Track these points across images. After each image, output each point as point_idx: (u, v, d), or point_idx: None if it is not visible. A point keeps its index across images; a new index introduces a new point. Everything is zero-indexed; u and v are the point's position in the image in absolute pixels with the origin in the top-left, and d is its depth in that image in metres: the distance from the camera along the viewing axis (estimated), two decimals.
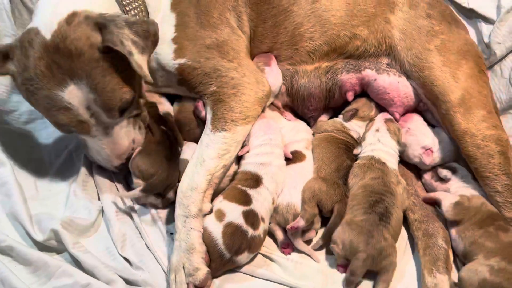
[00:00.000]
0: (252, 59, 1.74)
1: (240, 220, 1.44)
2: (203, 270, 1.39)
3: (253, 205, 1.48)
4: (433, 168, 1.70)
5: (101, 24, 1.34)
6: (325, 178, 1.57)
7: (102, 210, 1.60)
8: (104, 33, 1.33)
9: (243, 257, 1.44)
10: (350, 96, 1.79)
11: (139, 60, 1.34)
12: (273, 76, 1.70)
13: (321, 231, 1.57)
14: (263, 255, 1.52)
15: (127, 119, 1.52)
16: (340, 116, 1.80)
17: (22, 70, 1.35)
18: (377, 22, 1.74)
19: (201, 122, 1.67)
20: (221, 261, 1.42)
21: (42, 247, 1.49)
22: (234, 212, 1.45)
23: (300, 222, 1.47)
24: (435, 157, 1.67)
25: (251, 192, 1.50)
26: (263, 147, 1.59)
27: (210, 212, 1.48)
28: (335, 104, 1.84)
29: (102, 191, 1.64)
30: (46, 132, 1.83)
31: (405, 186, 1.61)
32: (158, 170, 1.54)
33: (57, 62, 1.33)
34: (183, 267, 1.39)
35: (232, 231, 1.42)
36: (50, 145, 1.79)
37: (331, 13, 1.73)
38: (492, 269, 1.36)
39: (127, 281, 1.42)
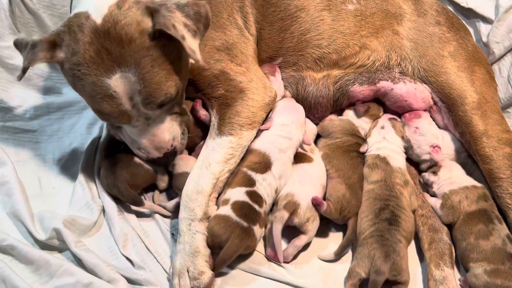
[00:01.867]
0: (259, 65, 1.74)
1: (244, 198, 1.47)
2: (208, 274, 1.38)
3: (256, 187, 1.50)
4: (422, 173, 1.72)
5: (152, 8, 1.30)
6: (350, 186, 1.57)
7: (104, 209, 1.60)
8: (156, 16, 1.29)
9: (258, 229, 1.44)
10: (358, 103, 1.80)
11: (192, 44, 1.29)
12: (277, 86, 1.70)
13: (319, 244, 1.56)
14: (263, 254, 1.52)
15: (171, 115, 1.49)
16: (348, 112, 1.79)
17: (71, 55, 1.30)
18: (386, 34, 1.75)
19: (197, 126, 1.66)
20: (241, 230, 1.41)
21: (43, 245, 1.48)
22: (237, 194, 1.48)
23: (324, 206, 1.48)
24: (442, 154, 1.69)
25: (256, 176, 1.52)
26: (286, 128, 1.61)
27: None
28: (340, 108, 1.84)
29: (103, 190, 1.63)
30: (51, 129, 1.83)
31: (413, 185, 1.62)
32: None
33: (107, 48, 1.28)
34: (187, 271, 1.38)
35: (239, 206, 1.45)
36: (55, 142, 1.79)
37: (340, 23, 1.74)
38: (485, 270, 1.39)
39: (129, 280, 1.42)
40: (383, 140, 1.67)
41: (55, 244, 1.48)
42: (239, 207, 1.45)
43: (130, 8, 1.31)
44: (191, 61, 1.52)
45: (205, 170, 1.50)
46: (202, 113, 1.63)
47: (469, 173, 1.68)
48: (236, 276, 1.46)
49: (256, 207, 1.46)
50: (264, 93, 1.61)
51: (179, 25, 1.28)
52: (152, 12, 1.30)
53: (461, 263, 1.50)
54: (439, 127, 1.77)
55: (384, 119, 1.74)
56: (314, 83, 1.75)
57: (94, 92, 1.32)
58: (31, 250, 1.42)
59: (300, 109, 1.70)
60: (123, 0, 1.32)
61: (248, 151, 1.59)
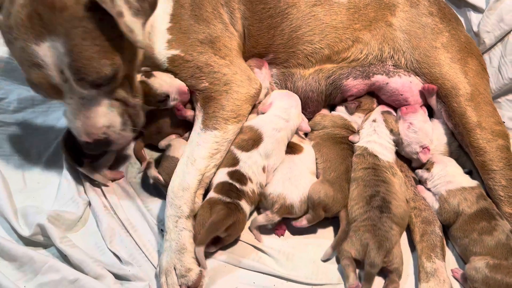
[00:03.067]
0: (247, 60, 1.72)
1: (225, 178, 1.49)
2: (196, 270, 1.37)
3: (239, 166, 1.51)
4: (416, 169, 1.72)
5: None
6: (333, 182, 1.55)
7: (90, 204, 1.58)
8: None
9: (245, 205, 1.46)
10: (350, 99, 1.78)
11: (131, 23, 1.22)
12: (261, 79, 1.68)
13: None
14: (254, 246, 1.50)
15: (111, 100, 1.38)
16: (340, 108, 1.79)
17: (6, 17, 1.26)
18: (379, 26, 1.74)
19: (172, 122, 1.65)
20: (227, 205, 1.42)
21: (28, 242, 1.46)
22: (219, 175, 1.51)
23: (303, 222, 1.49)
24: (431, 152, 1.69)
25: (241, 155, 1.52)
26: (286, 111, 1.62)
27: None
28: (332, 103, 1.83)
29: (89, 185, 1.60)
30: (35, 122, 1.79)
31: (402, 177, 1.61)
32: None
33: (39, 13, 1.23)
34: (175, 269, 1.36)
35: (220, 186, 1.48)
36: (39, 135, 1.75)
37: (332, 17, 1.72)
38: (488, 264, 1.39)
39: (117, 276, 1.40)
40: (374, 133, 1.66)
41: (40, 240, 1.45)
42: (220, 187, 1.47)
43: None
44: (174, 52, 1.50)
45: (191, 166, 1.47)
46: (190, 114, 1.61)
47: (460, 164, 1.66)
48: (225, 270, 1.44)
49: (237, 185, 1.47)
50: (249, 85, 1.59)
51: (119, 1, 1.22)
52: None
53: (463, 258, 1.50)
54: (432, 115, 1.77)
55: (377, 112, 1.73)
56: (304, 78, 1.73)
57: (23, 59, 1.28)
58: (15, 246, 1.40)
59: (297, 97, 1.70)
60: None
61: (242, 128, 1.59)
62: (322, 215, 1.49)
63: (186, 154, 1.50)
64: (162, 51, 1.54)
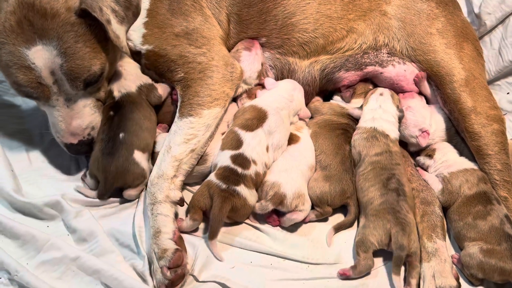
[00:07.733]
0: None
1: (227, 162, 1.49)
2: (171, 249, 1.35)
3: (243, 149, 1.51)
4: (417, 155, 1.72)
5: None
6: (330, 175, 1.55)
7: None
8: None
9: (242, 189, 1.46)
10: (343, 89, 1.79)
11: (117, 30, 1.32)
12: (250, 61, 1.69)
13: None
14: (251, 225, 1.52)
15: (94, 99, 1.48)
16: (336, 97, 1.79)
17: None
18: (373, 16, 1.72)
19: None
20: (221, 191, 1.43)
21: (28, 212, 1.47)
22: (223, 158, 1.51)
23: (311, 216, 1.52)
24: (431, 138, 1.69)
25: (246, 135, 1.53)
26: (290, 92, 1.65)
27: (180, 200, 1.46)
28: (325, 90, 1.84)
29: None
30: (35, 104, 1.80)
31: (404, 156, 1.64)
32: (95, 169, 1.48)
33: (29, 19, 1.30)
34: (154, 254, 1.37)
35: (221, 171, 1.48)
36: (41, 117, 1.76)
37: (326, 7, 1.71)
38: (481, 249, 1.40)
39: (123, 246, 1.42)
40: (379, 108, 1.65)
41: (49, 212, 1.46)
42: (221, 171, 1.48)
43: None
44: (149, 47, 1.55)
45: (166, 154, 1.49)
46: None
47: (457, 150, 1.67)
48: (222, 250, 1.45)
49: (239, 169, 1.47)
50: (225, 69, 1.58)
51: (106, 9, 1.31)
52: None
53: (456, 242, 1.51)
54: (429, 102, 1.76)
55: (384, 88, 1.72)
56: (301, 70, 1.74)
57: (11, 62, 1.34)
58: (17, 225, 1.41)
59: (301, 90, 1.72)
60: None
61: (244, 109, 1.61)
62: (328, 209, 1.52)
63: (165, 143, 1.52)
64: (138, 47, 1.57)
